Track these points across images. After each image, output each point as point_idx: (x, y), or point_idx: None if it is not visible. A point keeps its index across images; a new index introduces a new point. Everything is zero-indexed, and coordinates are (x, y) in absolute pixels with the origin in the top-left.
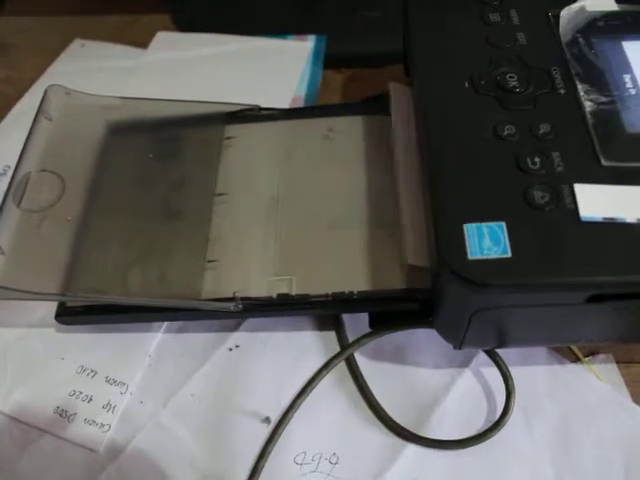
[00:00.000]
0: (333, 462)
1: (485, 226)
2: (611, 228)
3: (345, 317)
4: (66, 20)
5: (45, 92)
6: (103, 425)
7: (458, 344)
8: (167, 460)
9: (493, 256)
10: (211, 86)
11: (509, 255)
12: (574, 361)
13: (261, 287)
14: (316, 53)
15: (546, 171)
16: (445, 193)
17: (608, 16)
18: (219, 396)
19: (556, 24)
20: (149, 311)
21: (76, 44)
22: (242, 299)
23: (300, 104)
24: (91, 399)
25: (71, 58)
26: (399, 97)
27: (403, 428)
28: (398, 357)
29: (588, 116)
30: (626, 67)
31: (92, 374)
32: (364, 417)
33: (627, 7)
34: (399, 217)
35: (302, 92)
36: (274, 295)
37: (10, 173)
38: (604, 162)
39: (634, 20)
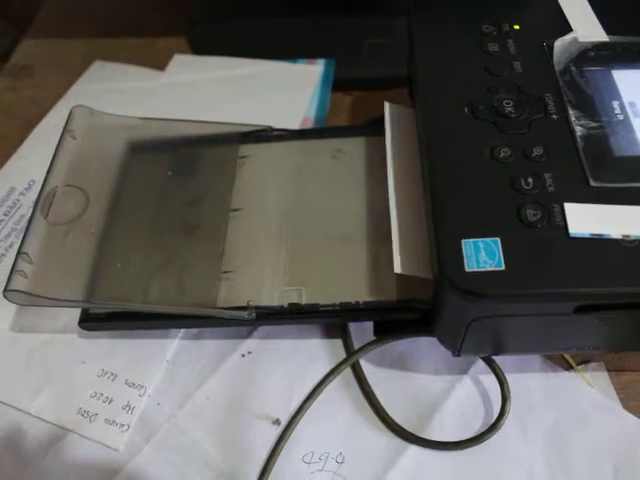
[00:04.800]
0: (339, 461)
1: (481, 241)
2: (598, 244)
3: (351, 325)
4: (87, 42)
5: (70, 112)
6: (122, 425)
7: (457, 351)
8: (183, 458)
9: (488, 269)
10: (226, 107)
11: (503, 268)
12: (567, 369)
13: (273, 297)
14: (325, 76)
15: (538, 191)
16: (445, 210)
17: (599, 46)
18: (232, 399)
19: (550, 54)
20: (167, 318)
21: (96, 65)
22: (255, 308)
23: (310, 125)
24: (111, 401)
25: (92, 79)
26: (393, 116)
27: (405, 430)
28: (401, 363)
29: (579, 140)
30: (615, 94)
31: (112, 377)
32: (369, 420)
33: (617, 38)
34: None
35: (312, 114)
36: (285, 304)
37: (35, 187)
38: (593, 183)
39: (623, 50)
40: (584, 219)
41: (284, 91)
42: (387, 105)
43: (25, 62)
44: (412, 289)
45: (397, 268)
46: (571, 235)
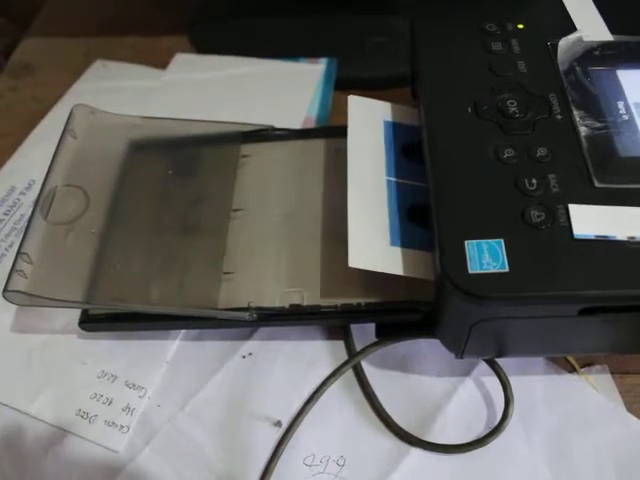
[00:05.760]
0: (341, 464)
1: (485, 243)
2: (602, 245)
3: (353, 327)
4: (88, 41)
5: (71, 111)
6: (122, 427)
7: (460, 353)
8: (183, 460)
9: (492, 271)
10: (227, 106)
11: (507, 270)
12: (570, 371)
13: (274, 298)
14: (327, 76)
15: (543, 192)
16: (448, 211)
17: (603, 46)
18: (233, 401)
19: (554, 53)
20: (168, 319)
21: (98, 64)
22: (256, 309)
23: (312, 125)
24: (111, 402)
25: (93, 78)
26: (356, 109)
27: (407, 433)
28: (403, 366)
29: (583, 140)
30: (620, 94)
31: (112, 379)
32: (370, 422)
33: (622, 38)
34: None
35: (314, 113)
36: (286, 305)
37: (35, 187)
38: (597, 184)
39: (628, 50)
40: (589, 220)
41: (286, 90)
42: (350, 99)
43: (26, 61)
44: (414, 290)
45: (352, 262)
46: (576, 236)
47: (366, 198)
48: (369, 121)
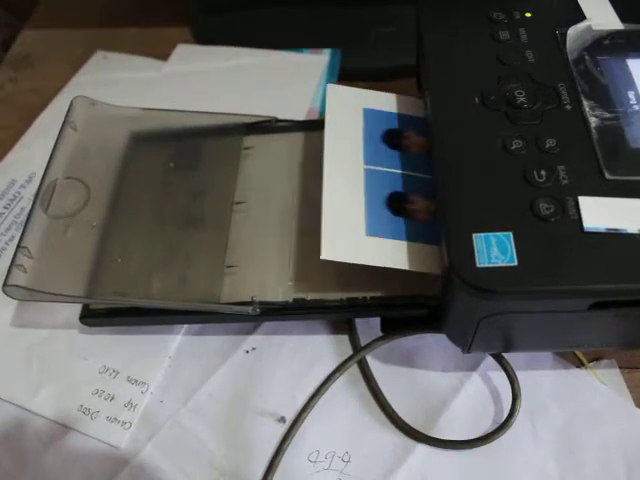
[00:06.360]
0: (346, 460)
1: (493, 236)
2: (613, 238)
3: (358, 322)
4: (89, 32)
5: (71, 103)
6: (124, 423)
7: (466, 348)
8: (186, 457)
9: (500, 264)
10: (229, 98)
11: (516, 263)
12: (578, 366)
13: (278, 292)
14: (331, 66)
15: (552, 184)
16: (455, 204)
17: (613, 35)
18: (236, 396)
19: (563, 42)
20: (170, 314)
21: (98, 56)
22: (260, 303)
23: (315, 116)
24: (113, 398)
25: (94, 69)
26: (334, 98)
27: (413, 429)
28: (409, 360)
29: (593, 131)
30: (630, 84)
31: (114, 374)
32: (376, 418)
33: (632, 26)
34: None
35: (317, 104)
36: (290, 300)
37: (35, 180)
38: (608, 176)
39: (639, 39)
40: (599, 213)
41: (289, 81)
42: (330, 87)
43: (26, 52)
44: (420, 284)
45: (324, 254)
46: (586, 229)
47: (342, 188)
48: (348, 109)
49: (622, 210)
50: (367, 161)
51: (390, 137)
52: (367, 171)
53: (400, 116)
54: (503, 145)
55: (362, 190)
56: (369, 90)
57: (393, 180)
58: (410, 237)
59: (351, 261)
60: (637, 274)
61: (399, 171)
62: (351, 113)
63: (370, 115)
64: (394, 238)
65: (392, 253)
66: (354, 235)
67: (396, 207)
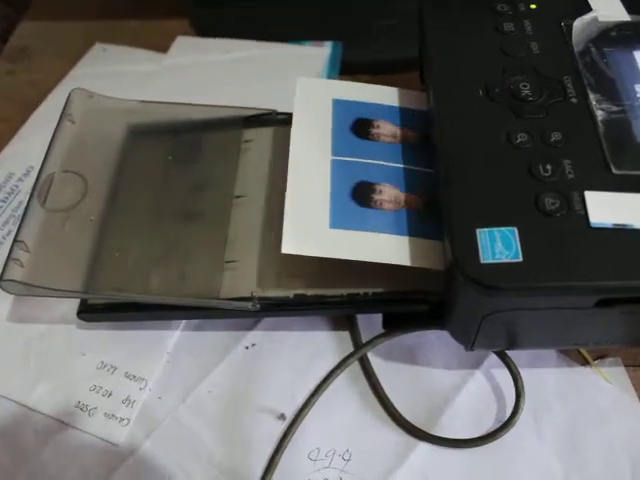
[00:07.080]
0: (346, 458)
1: (497, 231)
2: (620, 234)
3: (359, 318)
4: (87, 25)
5: (69, 95)
6: (122, 419)
7: (469, 345)
8: (184, 454)
9: (505, 260)
10: (229, 90)
11: (520, 259)
12: (583, 364)
13: (278, 287)
14: (332, 59)
15: (557, 178)
16: (459, 198)
17: (620, 26)
18: (236, 393)
19: (569, 34)
20: (168, 309)
21: (97, 48)
22: (259, 299)
23: None
24: (111, 394)
25: (92, 62)
26: (302, 91)
27: (415, 427)
28: (410, 357)
29: (599, 125)
30: (637, 77)
31: (112, 370)
32: (377, 415)
33: (639, 18)
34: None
35: None
36: (291, 295)
37: (33, 174)
38: (614, 170)
39: None
40: (606, 208)
41: (290, 74)
42: (300, 80)
43: (23, 45)
44: (423, 280)
45: (284, 248)
46: (592, 225)
47: (308, 181)
48: (317, 101)
49: (629, 205)
50: (335, 152)
51: (360, 127)
52: (334, 162)
53: (371, 105)
54: (507, 138)
55: (328, 182)
56: (341, 81)
57: (361, 170)
58: (377, 228)
59: (314, 254)
60: None
61: (368, 160)
62: (320, 105)
63: (339, 106)
64: (359, 229)
65: (357, 245)
66: (317, 228)
67: (362, 197)
